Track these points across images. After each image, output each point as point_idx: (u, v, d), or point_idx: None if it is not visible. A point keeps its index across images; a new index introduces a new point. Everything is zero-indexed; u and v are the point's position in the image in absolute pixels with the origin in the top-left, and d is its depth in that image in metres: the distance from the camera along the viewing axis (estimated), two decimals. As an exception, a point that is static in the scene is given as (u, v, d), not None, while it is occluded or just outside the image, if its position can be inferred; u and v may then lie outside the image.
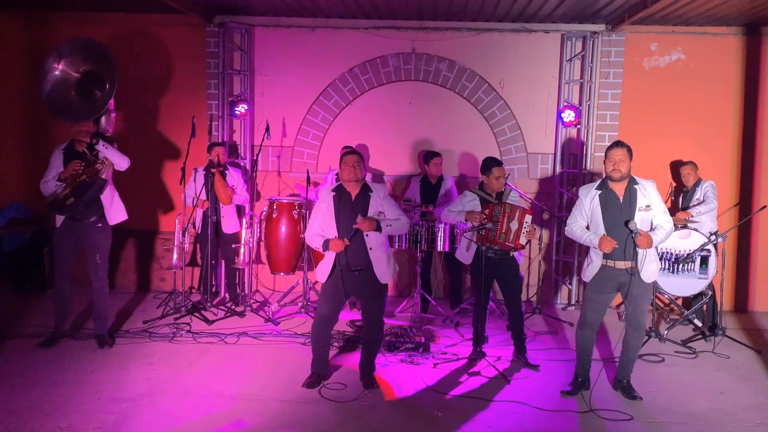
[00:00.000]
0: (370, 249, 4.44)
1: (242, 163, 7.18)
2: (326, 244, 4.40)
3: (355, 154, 4.51)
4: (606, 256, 4.36)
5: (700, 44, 6.92)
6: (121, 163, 5.21)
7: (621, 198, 4.35)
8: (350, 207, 4.44)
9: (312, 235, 4.53)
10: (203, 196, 6.15)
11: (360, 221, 4.33)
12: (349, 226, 4.38)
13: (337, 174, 6.61)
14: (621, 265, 4.34)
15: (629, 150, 4.33)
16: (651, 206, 4.31)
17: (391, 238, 5.93)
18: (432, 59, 7.11)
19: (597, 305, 4.50)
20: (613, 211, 4.34)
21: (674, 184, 6.83)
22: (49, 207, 5.13)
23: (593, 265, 4.44)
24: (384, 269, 4.49)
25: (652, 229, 4.32)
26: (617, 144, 4.38)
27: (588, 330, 4.55)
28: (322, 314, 4.56)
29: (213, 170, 6.07)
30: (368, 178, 6.43)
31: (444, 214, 5.32)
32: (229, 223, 6.32)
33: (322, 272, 4.53)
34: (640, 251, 4.26)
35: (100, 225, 5.20)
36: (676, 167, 6.69)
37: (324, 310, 4.55)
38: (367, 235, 4.41)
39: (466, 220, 5.11)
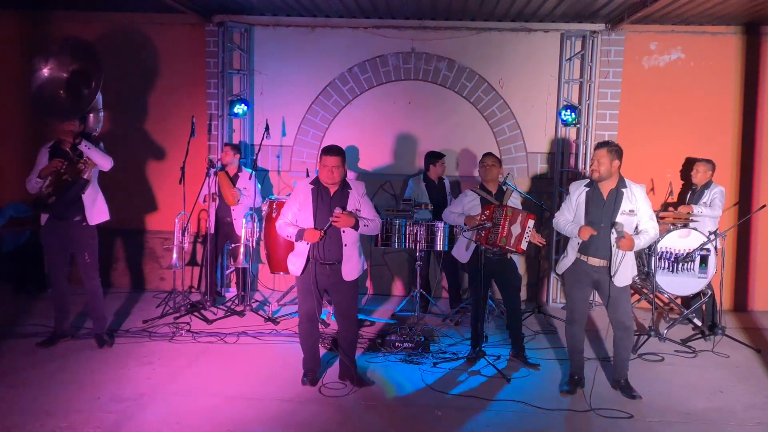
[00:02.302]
0: (345, 245, 4.41)
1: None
2: (300, 233, 4.34)
3: (335, 156, 4.34)
4: (580, 251, 4.44)
5: (699, 43, 6.92)
6: (104, 163, 5.17)
7: (605, 198, 4.37)
8: (329, 202, 4.39)
9: (284, 224, 4.44)
10: (214, 193, 6.27)
11: (338, 215, 4.25)
12: (326, 222, 4.33)
13: None
14: (594, 261, 4.41)
15: (611, 151, 4.32)
16: (636, 211, 4.33)
17: (389, 238, 5.94)
18: (431, 58, 7.11)
19: (577, 300, 4.56)
20: (596, 209, 4.39)
21: (683, 182, 6.83)
22: (33, 204, 5.14)
23: (567, 258, 4.54)
24: (352, 266, 4.44)
25: (637, 233, 4.35)
26: (599, 144, 4.43)
27: (576, 326, 4.60)
28: (305, 311, 4.54)
29: (218, 169, 6.12)
30: (350, 176, 6.44)
31: (445, 214, 5.35)
32: (241, 225, 6.32)
33: (295, 265, 4.48)
34: (615, 253, 4.30)
35: (84, 224, 5.18)
36: (690, 164, 6.53)
37: (305, 308, 4.53)
38: (344, 231, 4.39)
39: (466, 223, 5.09)
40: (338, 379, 4.64)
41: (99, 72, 5.11)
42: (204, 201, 6.33)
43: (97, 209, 5.24)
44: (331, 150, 4.37)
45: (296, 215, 4.44)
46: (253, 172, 6.47)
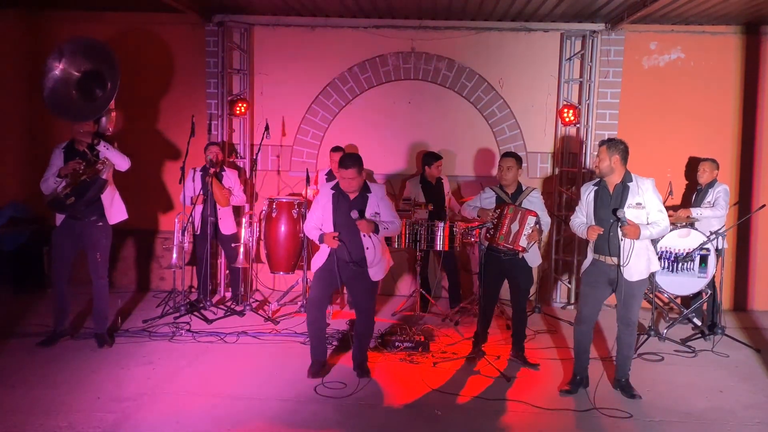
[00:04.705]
0: (367, 249, 4.58)
1: (241, 163, 7.18)
2: (321, 238, 4.58)
3: (350, 169, 4.45)
4: (597, 251, 4.47)
5: (699, 43, 6.92)
6: (122, 163, 5.22)
7: (612, 193, 4.39)
8: (348, 207, 4.56)
9: (311, 227, 4.70)
10: (201, 197, 6.17)
11: (359, 223, 4.45)
12: (344, 226, 4.52)
13: (326, 174, 6.62)
14: (611, 261, 4.41)
15: (610, 147, 4.37)
16: (644, 204, 4.33)
17: (389, 238, 5.94)
18: (431, 58, 7.11)
19: (591, 300, 4.55)
20: (603, 206, 4.43)
21: (687, 182, 6.83)
22: (48, 205, 5.13)
23: (587, 260, 4.59)
24: (376, 269, 4.64)
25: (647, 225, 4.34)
26: (600, 142, 4.49)
27: (584, 326, 4.59)
28: (313, 297, 4.73)
29: (211, 171, 6.06)
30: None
31: (463, 207, 5.45)
32: (226, 225, 6.31)
33: (316, 261, 4.72)
34: (623, 247, 4.30)
35: (100, 224, 5.21)
36: (693, 163, 6.55)
37: (315, 293, 4.71)
38: (364, 235, 4.56)
39: (478, 216, 5.14)
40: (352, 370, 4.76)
41: (116, 73, 5.11)
42: (192, 203, 6.22)
43: (115, 209, 5.29)
44: (346, 163, 4.49)
45: (320, 219, 4.66)
46: (235, 169, 6.42)
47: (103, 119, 5.24)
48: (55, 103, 5.17)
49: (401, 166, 7.23)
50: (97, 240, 5.21)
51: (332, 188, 4.63)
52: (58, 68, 5.17)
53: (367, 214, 4.55)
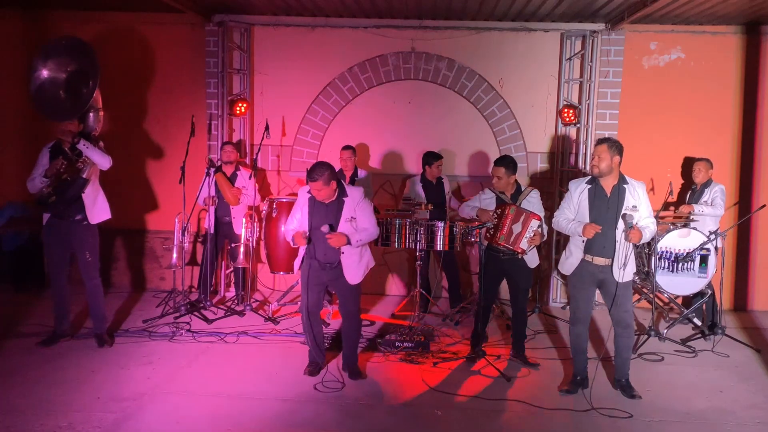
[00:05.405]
0: (342, 253, 4.53)
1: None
2: (292, 239, 4.53)
3: (314, 182, 4.34)
4: (586, 251, 4.43)
5: (699, 43, 6.92)
6: (103, 162, 5.15)
7: (609, 195, 4.37)
8: (324, 210, 4.50)
9: (288, 229, 4.64)
10: (213, 196, 6.25)
11: (329, 237, 4.37)
12: (320, 229, 4.42)
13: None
14: (599, 261, 4.40)
15: (611, 147, 4.35)
16: (638, 207, 4.34)
17: (389, 238, 5.94)
18: (431, 58, 7.11)
19: (582, 300, 4.56)
20: (600, 206, 4.40)
21: (683, 182, 6.84)
22: (36, 204, 5.15)
23: (573, 258, 4.52)
24: (353, 273, 4.59)
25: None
26: (600, 140, 4.46)
27: (579, 326, 4.59)
28: (303, 305, 4.72)
29: (211, 171, 6.10)
30: (361, 173, 6.46)
31: (462, 207, 5.45)
32: (240, 224, 6.34)
33: (296, 264, 4.75)
34: (618, 250, 4.31)
35: (85, 223, 5.18)
36: (689, 163, 6.59)
37: (303, 302, 4.72)
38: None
39: (477, 216, 5.13)
40: (340, 370, 4.78)
41: (96, 71, 5.10)
42: (204, 203, 6.31)
43: (98, 208, 5.24)
44: (311, 175, 4.36)
45: (300, 222, 4.61)
46: (252, 171, 6.46)
47: (91, 118, 5.22)
48: (40, 103, 5.17)
49: (401, 165, 7.23)
50: (83, 239, 5.18)
51: (308, 191, 4.53)
52: (44, 69, 5.16)
53: (342, 219, 4.47)
